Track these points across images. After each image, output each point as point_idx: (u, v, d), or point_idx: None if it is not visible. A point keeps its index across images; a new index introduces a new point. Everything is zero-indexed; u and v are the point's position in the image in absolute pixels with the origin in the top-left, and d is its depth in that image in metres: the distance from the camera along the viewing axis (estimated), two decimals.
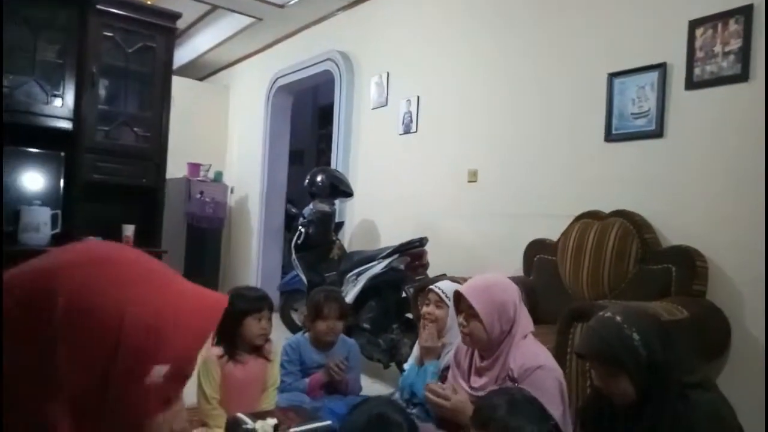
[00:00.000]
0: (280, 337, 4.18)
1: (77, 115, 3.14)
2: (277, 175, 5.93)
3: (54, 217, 3.00)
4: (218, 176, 6.20)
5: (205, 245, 5.98)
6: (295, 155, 7.13)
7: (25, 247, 2.91)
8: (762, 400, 2.27)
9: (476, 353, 1.85)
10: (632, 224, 2.63)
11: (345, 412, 2.14)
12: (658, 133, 2.71)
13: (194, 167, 6.02)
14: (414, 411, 2.15)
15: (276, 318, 4.35)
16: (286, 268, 4.59)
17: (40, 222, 2.93)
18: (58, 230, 3.03)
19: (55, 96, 3.05)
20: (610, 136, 2.92)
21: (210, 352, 2.11)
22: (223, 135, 6.65)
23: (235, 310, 2.09)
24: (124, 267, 0.61)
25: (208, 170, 6.11)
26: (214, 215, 5.97)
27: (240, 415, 1.74)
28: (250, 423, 1.66)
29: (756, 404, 2.29)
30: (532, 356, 1.71)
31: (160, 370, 0.60)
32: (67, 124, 3.12)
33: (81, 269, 0.59)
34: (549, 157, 3.22)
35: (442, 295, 2.14)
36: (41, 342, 0.54)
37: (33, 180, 3.12)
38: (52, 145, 3.19)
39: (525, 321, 1.81)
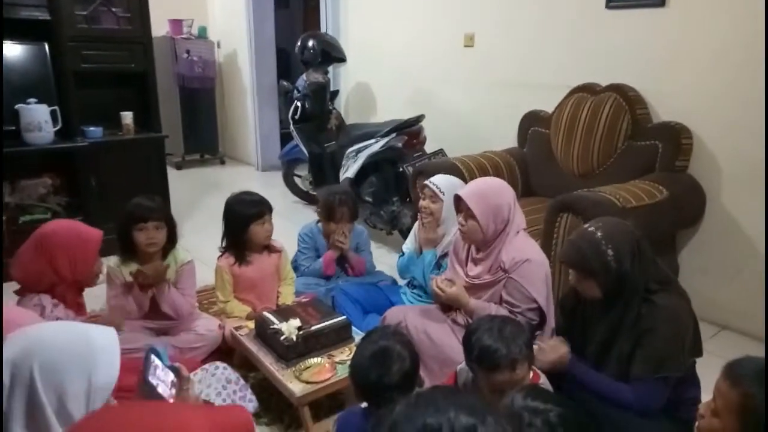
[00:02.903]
0: (286, 200, 4.44)
1: (51, 1, 2.97)
2: (263, 23, 5.63)
3: (53, 114, 3.01)
4: (202, 32, 5.92)
5: (199, 107, 5.92)
6: None
7: (31, 147, 2.97)
8: (725, 263, 2.56)
9: (473, 246, 2.05)
10: (625, 100, 2.67)
11: (355, 291, 2.46)
12: (659, 2, 2.61)
13: (176, 24, 5.72)
14: (414, 291, 2.45)
15: (280, 183, 4.56)
16: (284, 124, 4.64)
17: (41, 120, 2.94)
18: (59, 126, 3.06)
19: None
20: (611, 3, 2.81)
21: (219, 261, 2.33)
22: None
23: (238, 218, 2.28)
24: None
25: (191, 25, 5.81)
26: (204, 75, 5.83)
27: (266, 314, 2.00)
28: (276, 323, 1.92)
29: (719, 265, 2.59)
30: (521, 251, 1.92)
31: None
32: (43, 14, 2.97)
33: None
34: (548, 22, 3.12)
35: (437, 190, 2.29)
36: None
37: (22, 75, 3.05)
38: (35, 37, 3.06)
39: (518, 219, 1.98)
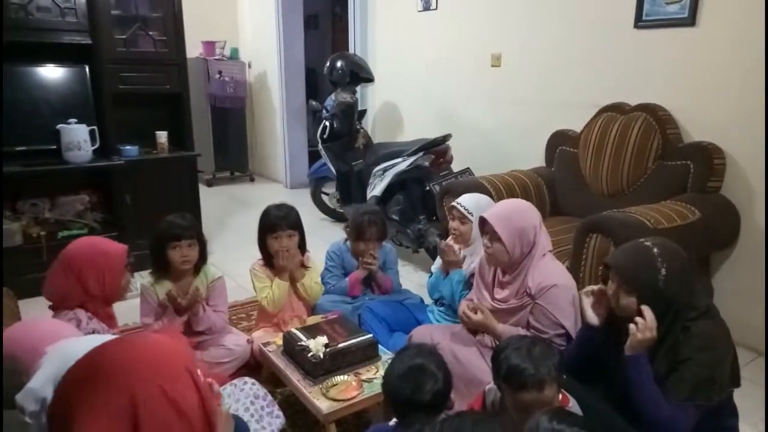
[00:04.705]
0: (313, 217, 4.49)
1: (93, 26, 3.10)
2: (293, 45, 5.75)
3: (92, 133, 3.12)
4: (234, 53, 6.08)
5: (230, 126, 6.07)
6: (309, 20, 6.86)
7: (71, 165, 3.09)
8: (760, 285, 2.49)
9: (499, 268, 2.04)
10: (655, 119, 2.65)
11: (382, 309, 2.47)
12: (690, 21, 2.60)
13: (209, 45, 5.90)
14: (441, 309, 2.45)
15: (308, 200, 4.61)
16: (313, 142, 4.71)
17: (81, 140, 3.06)
18: (97, 145, 3.17)
19: (68, 9, 3.00)
20: (640, 22, 2.80)
21: (252, 266, 2.39)
22: (233, 6, 6.38)
23: (259, 227, 2.35)
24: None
25: (223, 47, 5.98)
26: (235, 95, 5.98)
27: (294, 331, 2.02)
28: (304, 340, 1.94)
29: (755, 288, 2.51)
30: (548, 275, 1.90)
31: None
32: (85, 38, 3.09)
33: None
34: (576, 42, 3.13)
35: (464, 211, 2.30)
36: None
37: (64, 96, 3.18)
38: (76, 60, 3.20)
39: (544, 242, 1.96)
